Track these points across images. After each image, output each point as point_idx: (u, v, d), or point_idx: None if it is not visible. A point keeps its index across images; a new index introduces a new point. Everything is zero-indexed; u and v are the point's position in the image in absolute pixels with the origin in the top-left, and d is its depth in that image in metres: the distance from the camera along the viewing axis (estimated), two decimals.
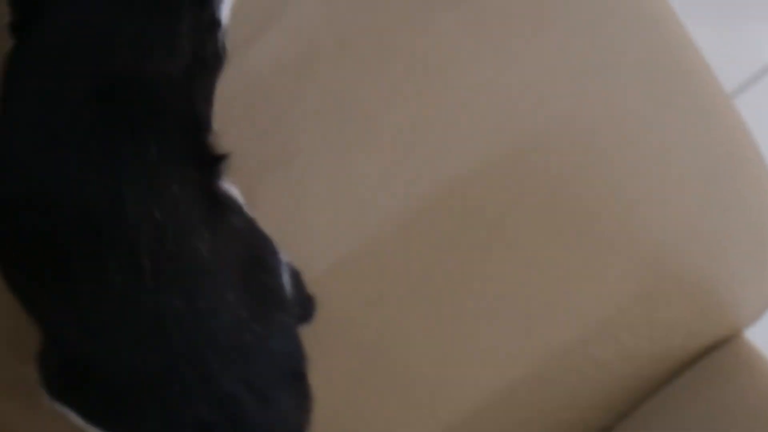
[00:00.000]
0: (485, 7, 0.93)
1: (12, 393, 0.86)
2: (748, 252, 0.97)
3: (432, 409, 0.93)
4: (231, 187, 0.80)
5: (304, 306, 0.84)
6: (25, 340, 0.78)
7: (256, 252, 0.79)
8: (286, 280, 0.80)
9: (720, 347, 0.96)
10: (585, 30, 0.95)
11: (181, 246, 0.70)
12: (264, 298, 0.77)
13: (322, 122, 0.92)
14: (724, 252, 0.96)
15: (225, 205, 0.78)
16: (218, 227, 0.74)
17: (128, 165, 0.69)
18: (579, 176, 0.94)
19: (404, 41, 0.93)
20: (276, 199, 0.90)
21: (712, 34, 1.28)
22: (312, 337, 0.83)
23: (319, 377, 0.80)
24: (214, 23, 0.80)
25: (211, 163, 0.77)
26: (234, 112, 0.89)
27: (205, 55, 0.79)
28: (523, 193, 0.93)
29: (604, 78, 0.95)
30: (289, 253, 0.84)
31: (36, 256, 0.70)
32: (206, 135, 0.78)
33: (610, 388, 0.95)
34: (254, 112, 0.91)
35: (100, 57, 0.72)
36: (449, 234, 0.93)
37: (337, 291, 0.91)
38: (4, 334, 0.86)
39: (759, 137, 1.00)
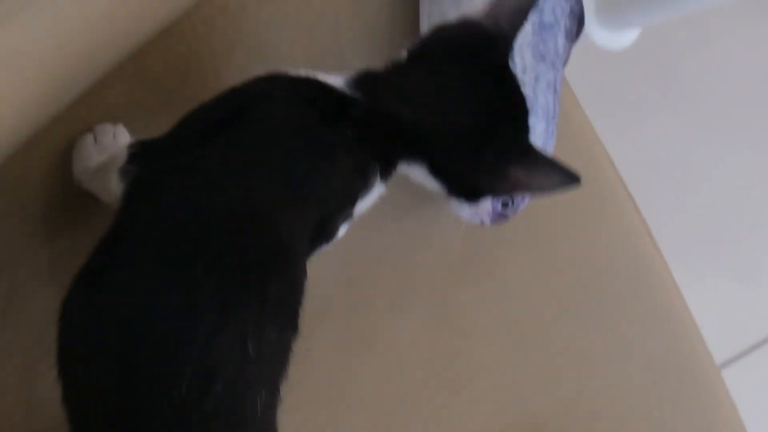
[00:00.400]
0: (509, 286, 0.94)
1: None
2: None
3: None
4: None
5: None
6: None
7: None
8: None
9: None
10: (599, 321, 0.96)
11: (248, 389, 0.68)
12: None
13: (325, 380, 0.90)
14: None
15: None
16: (275, 397, 0.72)
17: (248, 292, 0.67)
18: None
19: (421, 307, 0.92)
20: None
21: (722, 294, 1.32)
22: None
23: None
24: (352, 205, 0.77)
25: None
26: None
27: (330, 229, 0.77)
28: None
29: (611, 367, 0.96)
30: None
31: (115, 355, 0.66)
32: None
33: None
34: None
35: (245, 192, 0.70)
36: None
37: None
38: None
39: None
